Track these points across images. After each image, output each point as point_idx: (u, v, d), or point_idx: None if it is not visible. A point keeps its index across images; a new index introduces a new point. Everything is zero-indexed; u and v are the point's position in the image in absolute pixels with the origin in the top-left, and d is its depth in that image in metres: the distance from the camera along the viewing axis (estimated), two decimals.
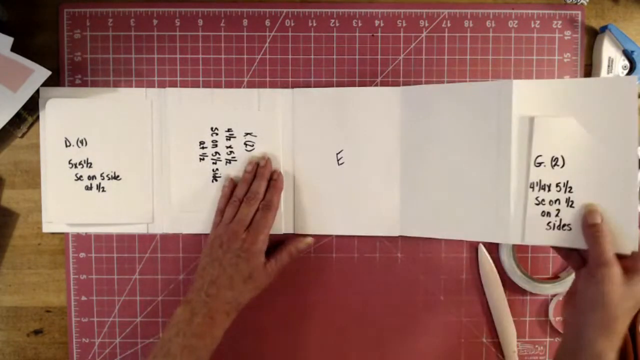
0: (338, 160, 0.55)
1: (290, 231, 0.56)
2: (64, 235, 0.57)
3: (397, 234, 0.55)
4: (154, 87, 0.56)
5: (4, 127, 0.53)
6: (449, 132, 0.52)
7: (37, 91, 0.54)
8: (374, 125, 0.55)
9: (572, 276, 0.56)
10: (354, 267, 0.57)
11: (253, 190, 0.53)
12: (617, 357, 0.42)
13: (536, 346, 0.58)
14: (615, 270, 0.42)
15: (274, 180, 0.54)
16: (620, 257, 0.43)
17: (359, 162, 0.55)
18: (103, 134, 0.55)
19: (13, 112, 0.53)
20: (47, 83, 0.53)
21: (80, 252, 0.57)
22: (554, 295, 0.57)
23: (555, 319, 0.57)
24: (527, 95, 0.48)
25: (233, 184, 0.55)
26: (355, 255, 0.57)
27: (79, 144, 0.55)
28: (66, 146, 0.55)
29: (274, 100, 0.55)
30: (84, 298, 0.57)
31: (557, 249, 0.49)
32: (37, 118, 0.56)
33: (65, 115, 0.55)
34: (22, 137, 0.56)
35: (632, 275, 0.42)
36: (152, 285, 0.57)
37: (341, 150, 0.55)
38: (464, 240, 0.57)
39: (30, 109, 0.55)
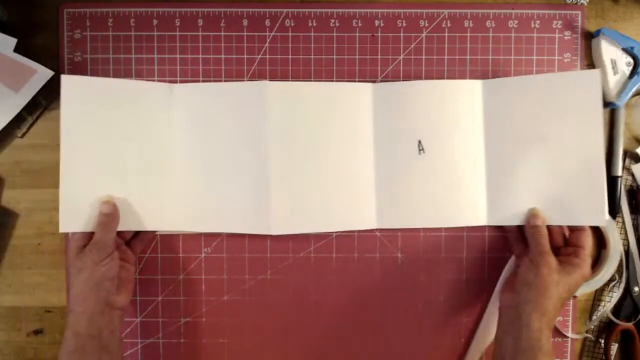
0: (419, 150, 0.55)
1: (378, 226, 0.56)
2: (64, 235, 0.56)
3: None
4: None
5: (4, 127, 0.53)
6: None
7: (39, 91, 0.54)
8: (451, 115, 0.55)
9: (599, 276, 0.56)
10: (354, 267, 0.57)
11: None
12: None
13: None
14: (551, 258, 0.49)
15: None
16: (558, 253, 0.51)
17: (440, 152, 0.55)
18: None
19: (14, 113, 0.53)
20: (48, 83, 0.53)
21: None
22: None
23: (556, 319, 0.57)
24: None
25: None
26: (355, 255, 0.57)
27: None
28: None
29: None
30: None
31: (510, 235, 0.56)
32: (37, 118, 0.56)
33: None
34: (22, 137, 0.56)
35: (566, 266, 0.49)
36: (152, 285, 0.57)
37: (419, 141, 0.55)
38: (465, 239, 0.57)
39: (30, 109, 0.55)
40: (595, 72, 0.52)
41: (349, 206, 0.55)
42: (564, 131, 0.53)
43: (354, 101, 0.55)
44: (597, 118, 0.52)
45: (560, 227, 0.54)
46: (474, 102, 0.55)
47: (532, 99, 0.54)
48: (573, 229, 0.53)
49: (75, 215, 0.51)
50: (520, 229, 0.55)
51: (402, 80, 0.56)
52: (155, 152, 0.54)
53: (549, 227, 0.53)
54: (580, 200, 0.53)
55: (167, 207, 0.55)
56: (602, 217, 0.52)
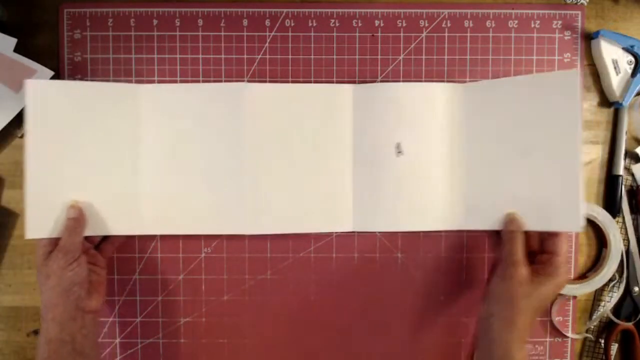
0: (397, 152, 0.54)
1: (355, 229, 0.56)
2: None
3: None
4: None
5: (4, 127, 0.53)
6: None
7: None
8: (430, 118, 0.55)
9: (600, 275, 0.56)
10: (354, 267, 0.57)
11: None
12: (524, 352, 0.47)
13: (536, 346, 0.58)
14: (522, 270, 0.47)
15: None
16: (533, 260, 0.49)
17: (417, 153, 0.55)
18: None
19: (14, 113, 0.53)
20: None
21: None
22: (558, 295, 0.57)
23: (556, 319, 0.57)
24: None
25: None
26: (355, 255, 0.57)
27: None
28: None
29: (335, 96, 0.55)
30: None
31: (490, 240, 0.55)
32: None
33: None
34: (22, 137, 0.56)
35: (540, 277, 0.47)
36: (152, 285, 0.57)
37: (399, 143, 0.54)
38: (465, 239, 0.57)
39: None
40: (573, 73, 0.50)
41: (326, 208, 0.55)
42: (542, 134, 0.51)
43: (333, 102, 0.55)
44: (575, 120, 0.49)
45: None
46: (453, 104, 0.55)
47: (511, 101, 0.52)
48: (549, 234, 0.50)
49: (42, 220, 0.50)
50: (498, 234, 0.52)
51: (382, 82, 0.56)
52: (124, 155, 0.53)
53: (527, 231, 0.50)
54: (556, 205, 0.50)
55: (140, 210, 0.54)
56: (577, 223, 0.49)
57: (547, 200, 0.50)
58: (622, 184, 0.56)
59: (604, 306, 0.57)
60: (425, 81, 0.56)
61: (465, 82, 0.56)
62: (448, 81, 0.56)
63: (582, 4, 0.55)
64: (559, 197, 0.50)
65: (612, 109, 0.58)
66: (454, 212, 0.55)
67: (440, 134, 0.55)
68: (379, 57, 0.57)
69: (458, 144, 0.55)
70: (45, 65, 0.53)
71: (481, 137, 0.54)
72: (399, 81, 0.56)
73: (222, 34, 0.56)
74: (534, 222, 0.50)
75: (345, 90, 0.55)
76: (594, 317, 0.58)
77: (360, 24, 0.57)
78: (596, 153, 0.58)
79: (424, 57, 0.57)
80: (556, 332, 0.57)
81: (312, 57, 0.56)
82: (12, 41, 0.53)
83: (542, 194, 0.50)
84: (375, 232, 0.57)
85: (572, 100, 0.49)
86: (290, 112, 0.54)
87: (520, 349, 0.46)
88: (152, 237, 0.56)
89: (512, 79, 0.54)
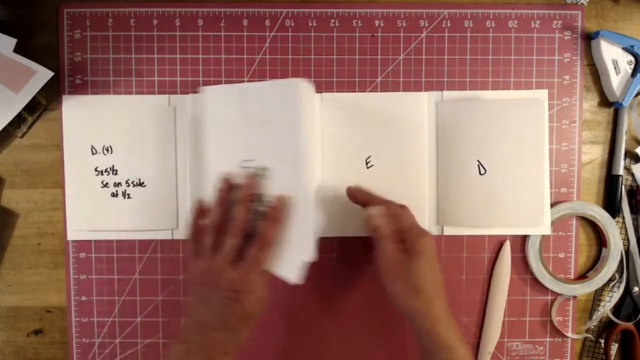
0: (367, 164, 0.55)
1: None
2: (63, 236, 0.56)
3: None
4: (156, 89, 0.56)
5: (4, 127, 0.53)
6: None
7: (39, 92, 0.54)
8: (404, 129, 0.55)
9: (600, 275, 0.56)
10: (354, 267, 0.57)
11: (236, 217, 0.47)
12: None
13: (536, 346, 0.58)
14: (389, 246, 0.46)
15: (272, 209, 0.47)
16: (401, 240, 0.47)
17: (389, 165, 0.55)
18: (128, 141, 0.55)
19: (14, 113, 0.53)
20: (48, 83, 0.53)
21: (80, 252, 0.57)
22: (558, 295, 0.57)
23: (556, 319, 0.57)
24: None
25: (201, 204, 0.50)
26: (355, 255, 0.57)
27: (105, 152, 0.55)
28: (92, 154, 0.55)
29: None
30: (84, 298, 0.57)
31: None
32: (37, 118, 0.56)
33: (90, 124, 0.55)
34: (22, 137, 0.56)
35: (406, 254, 0.45)
36: (152, 285, 0.57)
37: (370, 155, 0.55)
38: (465, 239, 0.57)
39: (30, 109, 0.55)
40: (540, 101, 0.55)
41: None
42: (511, 149, 0.54)
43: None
44: (542, 140, 0.54)
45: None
46: (426, 116, 0.56)
47: (482, 118, 0.55)
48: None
49: None
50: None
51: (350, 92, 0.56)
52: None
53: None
54: (526, 210, 0.55)
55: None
56: (545, 227, 0.56)
57: (516, 205, 0.54)
58: (622, 184, 0.56)
59: (604, 306, 0.57)
60: (442, 78, 0.57)
61: (462, 81, 0.56)
62: (445, 83, 0.57)
63: (582, 4, 0.55)
64: (527, 203, 0.55)
65: (612, 109, 0.58)
66: (426, 222, 0.56)
67: (412, 145, 0.55)
68: (379, 57, 0.57)
69: (430, 155, 0.56)
70: (45, 66, 0.53)
71: (453, 147, 0.55)
72: (419, 79, 0.57)
73: (222, 34, 0.56)
74: (505, 226, 0.56)
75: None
76: (594, 317, 0.58)
77: (360, 24, 0.57)
78: (596, 153, 0.58)
79: (424, 57, 0.57)
80: (556, 332, 0.58)
81: (312, 57, 0.56)
82: (12, 41, 0.53)
83: (513, 200, 0.54)
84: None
85: (540, 124, 0.54)
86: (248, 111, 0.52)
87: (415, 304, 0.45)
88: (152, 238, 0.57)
89: (485, 99, 0.56)
